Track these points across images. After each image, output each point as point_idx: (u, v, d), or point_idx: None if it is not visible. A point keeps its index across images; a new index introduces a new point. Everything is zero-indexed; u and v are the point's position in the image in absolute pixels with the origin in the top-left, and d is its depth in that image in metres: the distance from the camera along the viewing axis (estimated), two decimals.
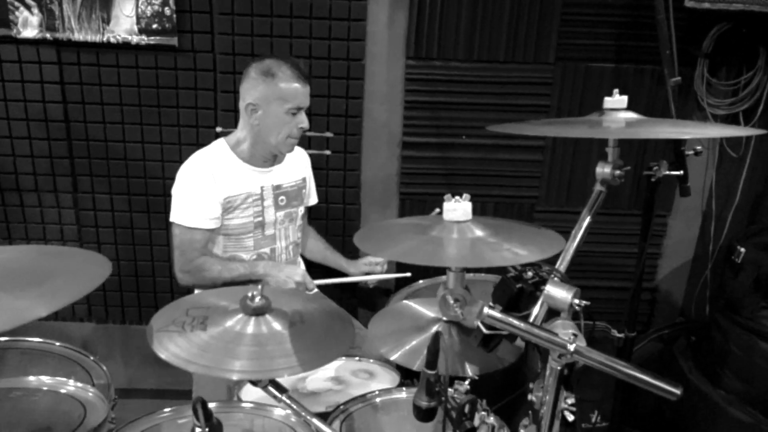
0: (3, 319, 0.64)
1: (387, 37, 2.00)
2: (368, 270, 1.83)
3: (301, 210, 1.79)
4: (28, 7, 1.88)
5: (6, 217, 2.05)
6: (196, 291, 1.63)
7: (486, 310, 0.84)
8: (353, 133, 2.03)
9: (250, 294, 0.92)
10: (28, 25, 1.90)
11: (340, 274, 1.87)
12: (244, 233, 1.64)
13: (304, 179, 1.78)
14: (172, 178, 2.01)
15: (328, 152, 2.02)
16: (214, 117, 2.00)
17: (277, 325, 0.92)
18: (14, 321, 0.64)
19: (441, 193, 1.00)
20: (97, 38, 1.92)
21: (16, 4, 1.87)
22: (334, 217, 2.09)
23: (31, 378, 1.20)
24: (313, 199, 1.89)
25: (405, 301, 1.41)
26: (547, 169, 2.09)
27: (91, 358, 1.45)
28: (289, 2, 1.90)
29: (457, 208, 1.00)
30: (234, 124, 1.95)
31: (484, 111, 2.03)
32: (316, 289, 1.65)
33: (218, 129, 1.99)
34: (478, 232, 1.00)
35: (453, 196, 1.01)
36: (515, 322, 0.84)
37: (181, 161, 1.99)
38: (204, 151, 1.66)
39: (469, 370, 1.09)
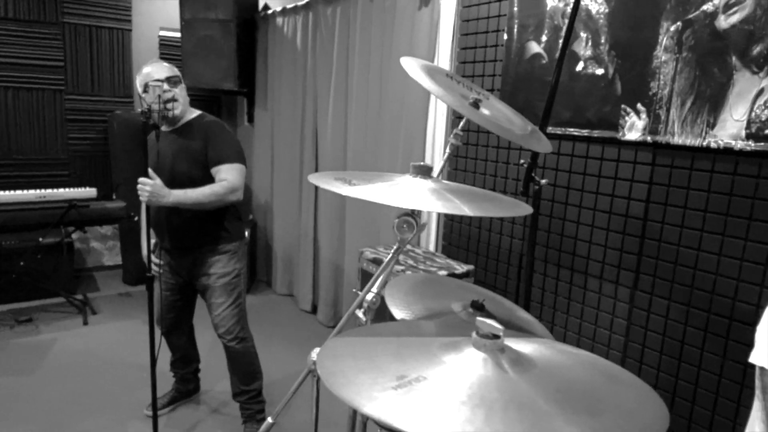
0: None
1: None
2: None
3: None
4: (638, 113, 2.02)
5: (569, 294, 2.27)
6: None
7: None
8: None
9: None
10: (633, 129, 2.03)
11: None
12: None
13: None
14: (747, 302, 1.74)
15: None
16: None
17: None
18: None
19: None
20: (696, 142, 1.86)
21: (628, 110, 2.04)
22: None
23: None
24: None
25: None
26: None
27: None
28: None
29: None
30: None
31: None
32: None
33: None
34: None
35: None
36: None
37: (763, 286, 1.70)
38: None
39: None
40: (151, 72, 2.28)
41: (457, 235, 2.81)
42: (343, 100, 3.53)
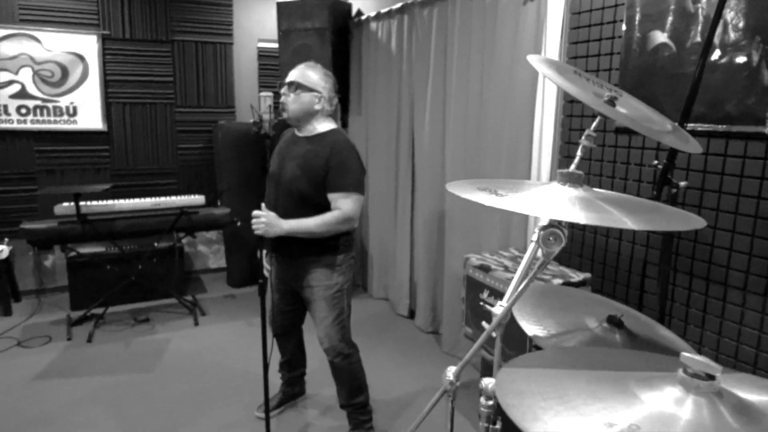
0: None
1: None
2: None
3: None
4: None
5: (705, 307, 2.06)
6: None
7: None
8: None
9: None
10: None
11: None
12: None
13: None
14: None
15: None
16: None
17: None
18: None
19: None
20: None
21: None
22: None
23: None
24: None
25: None
26: None
27: None
28: None
29: None
30: None
31: None
32: None
33: None
34: None
35: None
36: None
37: None
38: None
39: None
40: (288, 74, 2.31)
41: (568, 239, 2.64)
42: (440, 103, 3.47)
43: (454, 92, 3.28)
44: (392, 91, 4.01)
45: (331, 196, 2.23)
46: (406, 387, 3.07)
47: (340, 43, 4.42)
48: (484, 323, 1.38)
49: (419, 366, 3.32)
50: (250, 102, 4.95)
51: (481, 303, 1.31)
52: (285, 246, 2.35)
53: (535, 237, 1.43)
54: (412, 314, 4.03)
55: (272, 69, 4.93)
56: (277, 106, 2.33)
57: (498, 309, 1.39)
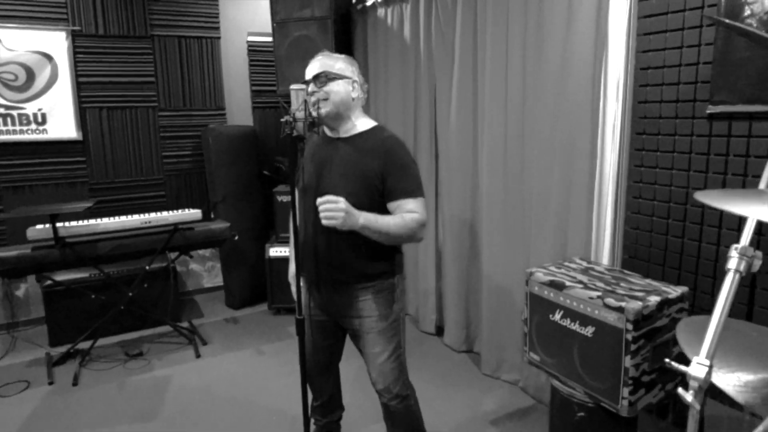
0: None
1: None
2: None
3: None
4: None
5: None
6: None
7: None
8: None
9: None
10: None
11: None
12: None
13: None
14: None
15: None
16: None
17: None
18: None
19: None
20: None
21: None
22: None
23: None
24: None
25: None
26: None
27: None
28: None
29: None
30: None
31: None
32: None
33: None
34: None
35: None
36: None
37: None
38: None
39: None
40: (306, 71, 1.93)
41: (646, 246, 2.29)
42: (470, 97, 3.08)
43: (488, 84, 2.89)
44: (407, 83, 3.61)
45: (395, 204, 1.86)
46: (454, 418, 2.68)
47: (344, 32, 4.00)
48: (686, 394, 1.00)
49: (461, 392, 2.94)
50: (240, 103, 4.49)
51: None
52: (331, 269, 1.94)
53: (732, 264, 1.07)
54: (439, 331, 3.65)
55: (265, 65, 4.47)
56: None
57: (696, 369, 1.01)
